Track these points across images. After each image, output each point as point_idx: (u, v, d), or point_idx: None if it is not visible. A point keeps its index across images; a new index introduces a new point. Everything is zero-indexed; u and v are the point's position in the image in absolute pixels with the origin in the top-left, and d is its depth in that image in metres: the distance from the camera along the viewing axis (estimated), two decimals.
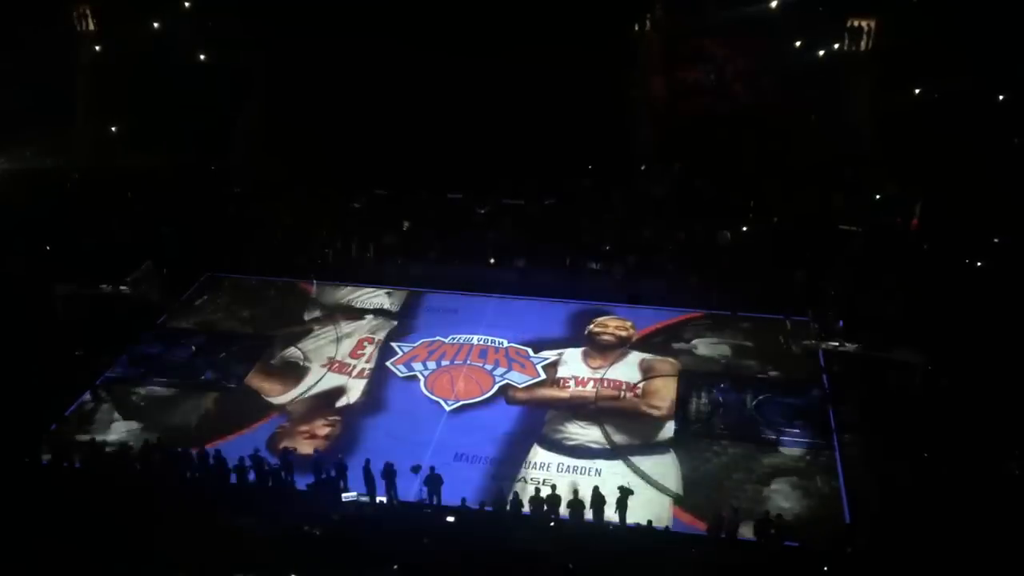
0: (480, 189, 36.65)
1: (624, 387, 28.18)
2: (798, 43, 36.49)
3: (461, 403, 27.68)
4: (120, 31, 38.44)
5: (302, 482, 23.83)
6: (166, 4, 38.86)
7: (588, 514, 22.72)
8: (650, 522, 22.11)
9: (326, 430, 26.44)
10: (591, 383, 28.39)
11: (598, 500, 22.73)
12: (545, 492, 23.17)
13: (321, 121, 36.71)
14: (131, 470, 24.28)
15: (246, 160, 38.45)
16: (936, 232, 32.55)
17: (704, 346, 30.41)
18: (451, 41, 35.53)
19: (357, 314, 32.43)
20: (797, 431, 26.19)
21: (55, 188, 36.08)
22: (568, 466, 24.95)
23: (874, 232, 33.51)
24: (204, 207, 35.98)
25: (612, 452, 25.44)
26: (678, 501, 23.55)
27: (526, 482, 24.28)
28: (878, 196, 34.83)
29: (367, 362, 29.60)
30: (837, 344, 28.49)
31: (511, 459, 25.25)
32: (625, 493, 22.69)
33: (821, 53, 36.33)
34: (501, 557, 21.05)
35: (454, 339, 30.83)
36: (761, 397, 27.66)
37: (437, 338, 30.88)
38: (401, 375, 29.05)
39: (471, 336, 30.96)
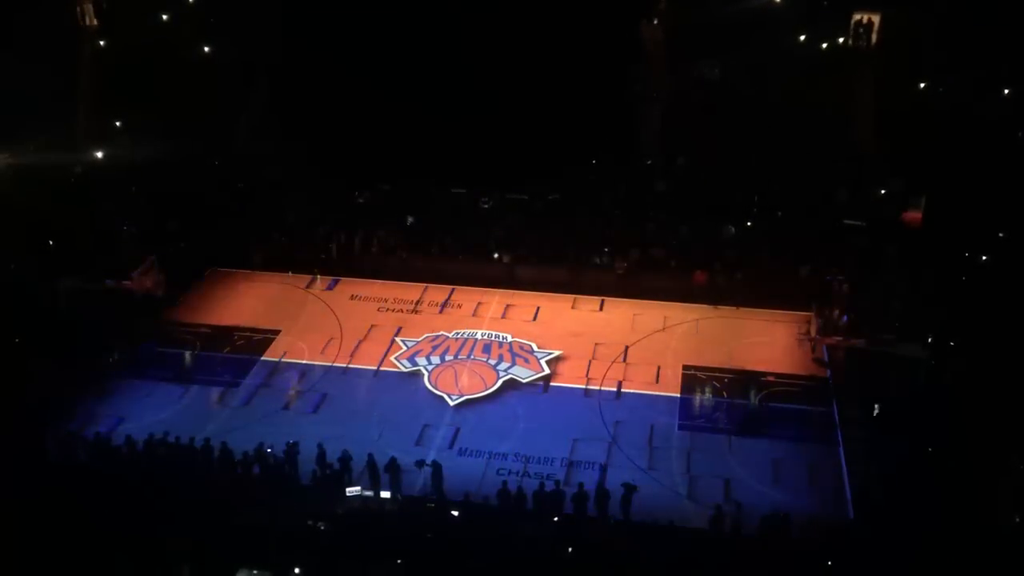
0: (484, 183, 36.61)
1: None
2: (802, 37, 36.41)
3: (465, 398, 27.71)
4: (122, 25, 38.40)
5: (306, 476, 23.91)
6: None
7: (592, 509, 22.74)
8: (654, 519, 22.14)
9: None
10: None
11: (602, 495, 22.76)
12: (548, 487, 23.18)
13: (325, 115, 36.65)
14: (136, 465, 24.34)
15: (250, 155, 38.42)
16: (940, 226, 32.47)
17: (706, 341, 30.40)
18: (454, 36, 35.48)
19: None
20: (800, 426, 26.19)
21: (57, 183, 36.00)
22: (571, 461, 24.97)
23: (878, 227, 33.45)
24: (208, 202, 35.96)
25: (616, 448, 25.45)
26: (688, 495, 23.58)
27: (530, 476, 24.29)
28: (882, 191, 34.76)
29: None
30: (841, 339, 28.49)
31: (515, 453, 25.28)
32: (630, 490, 22.70)
33: (825, 47, 36.25)
34: (504, 551, 21.07)
35: (458, 334, 30.85)
36: (765, 392, 27.67)
37: (441, 333, 30.90)
38: (405, 370, 29.08)
39: (475, 331, 30.98)
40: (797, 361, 29.27)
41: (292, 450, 24.26)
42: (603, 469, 24.57)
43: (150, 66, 36.95)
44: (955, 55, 33.40)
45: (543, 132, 34.84)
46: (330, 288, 34.00)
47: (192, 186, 36.12)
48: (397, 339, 30.59)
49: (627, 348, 30.07)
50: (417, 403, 27.59)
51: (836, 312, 29.90)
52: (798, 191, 35.07)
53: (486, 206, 36.53)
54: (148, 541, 20.95)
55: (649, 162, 38.02)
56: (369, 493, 23.29)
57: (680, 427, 26.33)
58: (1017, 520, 21.71)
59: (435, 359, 29.54)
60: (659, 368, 28.99)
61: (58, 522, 21.50)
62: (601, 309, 32.53)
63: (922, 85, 35.57)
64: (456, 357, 29.65)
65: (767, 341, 30.37)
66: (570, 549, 21.40)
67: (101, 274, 30.46)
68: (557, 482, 23.50)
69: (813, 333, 29.35)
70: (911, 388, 26.42)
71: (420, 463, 24.09)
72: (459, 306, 32.80)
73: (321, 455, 24.10)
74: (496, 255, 34.43)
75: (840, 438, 25.68)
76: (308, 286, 34.13)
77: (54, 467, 24.43)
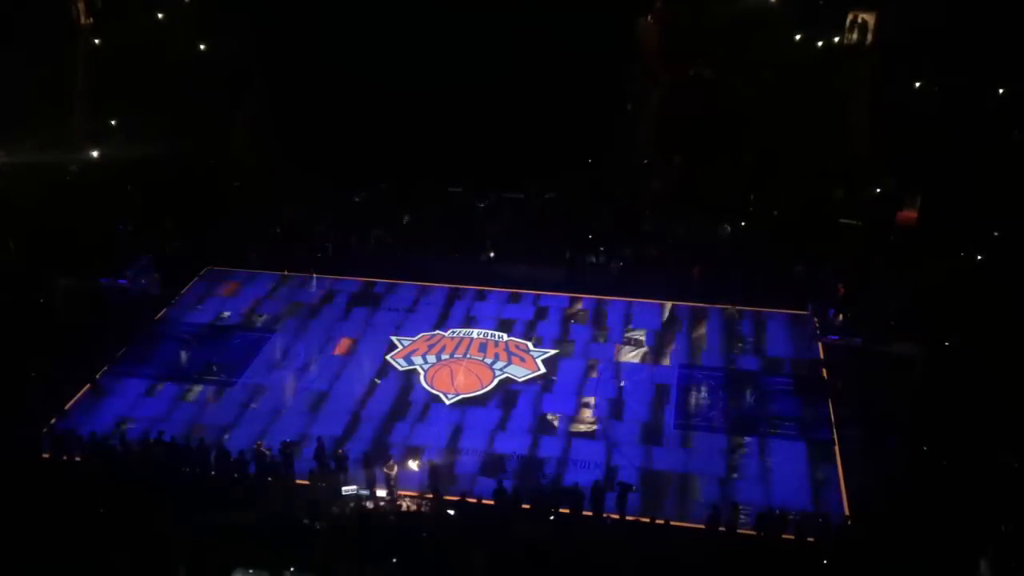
0: (480, 182, 36.62)
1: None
2: (798, 36, 36.46)
3: (461, 397, 27.73)
4: (118, 23, 38.30)
5: (302, 475, 23.91)
6: None
7: (587, 508, 22.77)
8: (652, 518, 22.17)
9: None
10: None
11: (598, 494, 22.78)
12: (544, 486, 23.19)
13: (322, 114, 36.64)
14: (131, 464, 24.32)
15: (246, 154, 38.39)
16: (935, 225, 32.56)
17: (702, 340, 30.45)
18: (452, 34, 35.47)
19: None
20: (796, 424, 26.25)
21: (53, 182, 35.96)
22: (568, 459, 24.99)
23: (873, 226, 33.53)
24: (204, 201, 35.92)
25: (612, 447, 25.50)
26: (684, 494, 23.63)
27: (526, 475, 24.27)
28: (877, 190, 34.85)
29: None
30: (836, 338, 28.54)
31: (511, 452, 25.28)
32: (625, 489, 22.73)
33: (820, 46, 36.31)
34: (501, 550, 21.09)
35: (454, 333, 30.86)
36: (760, 390, 27.72)
37: (437, 332, 30.91)
38: (401, 368, 29.09)
39: (471, 330, 31.00)
40: (792, 359, 29.31)
41: (288, 449, 24.27)
42: (599, 468, 24.59)
43: (146, 64, 36.93)
44: (950, 55, 33.49)
45: (539, 131, 34.90)
46: (326, 287, 33.97)
47: (188, 185, 36.09)
48: (393, 338, 30.60)
49: (623, 347, 30.10)
50: (413, 402, 27.59)
51: (832, 311, 29.97)
52: (794, 190, 35.14)
53: (482, 205, 36.54)
54: (144, 541, 20.93)
55: (645, 161, 38.07)
56: (365, 492, 23.30)
57: (676, 426, 26.36)
58: (1013, 519, 21.77)
59: (431, 358, 29.55)
60: (655, 367, 29.05)
61: (54, 522, 21.48)
62: (597, 308, 32.54)
63: (917, 85, 35.66)
64: (452, 356, 29.66)
65: (763, 339, 30.41)
66: (566, 548, 21.40)
67: (97, 273, 30.38)
68: (553, 481, 23.48)
69: (809, 331, 29.40)
70: (906, 386, 26.47)
71: (416, 462, 24.09)
72: (455, 305, 32.80)
73: (317, 453, 24.11)
74: (492, 254, 34.43)
75: (835, 436, 25.74)
76: (304, 285, 34.09)
77: (50, 466, 24.38)
